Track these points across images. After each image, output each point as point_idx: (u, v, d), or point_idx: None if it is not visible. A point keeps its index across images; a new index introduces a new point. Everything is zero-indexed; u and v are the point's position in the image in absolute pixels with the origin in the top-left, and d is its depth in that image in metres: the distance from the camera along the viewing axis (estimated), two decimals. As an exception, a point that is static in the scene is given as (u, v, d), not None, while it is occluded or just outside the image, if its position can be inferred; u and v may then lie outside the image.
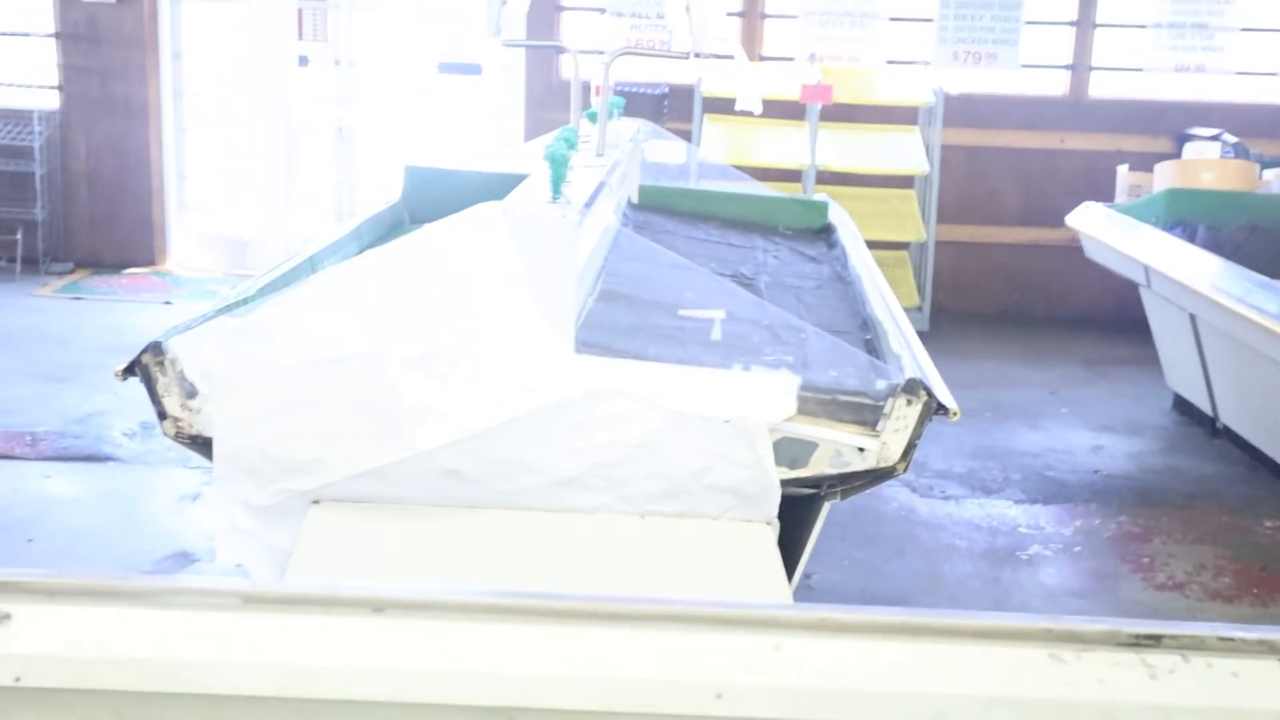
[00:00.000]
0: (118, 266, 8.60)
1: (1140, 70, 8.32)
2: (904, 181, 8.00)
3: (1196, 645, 1.36)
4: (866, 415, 2.78)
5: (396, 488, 2.81)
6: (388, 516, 2.84)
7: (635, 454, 2.77)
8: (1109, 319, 7.80)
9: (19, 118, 8.47)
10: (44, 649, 1.30)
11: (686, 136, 7.09)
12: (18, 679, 1.29)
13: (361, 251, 4.06)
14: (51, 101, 8.61)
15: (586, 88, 5.50)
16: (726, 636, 1.36)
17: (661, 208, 5.11)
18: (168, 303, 7.83)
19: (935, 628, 1.39)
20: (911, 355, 3.11)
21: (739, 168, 6.19)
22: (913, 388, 2.76)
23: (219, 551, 2.92)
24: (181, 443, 2.88)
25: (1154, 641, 1.37)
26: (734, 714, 1.31)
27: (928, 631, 1.38)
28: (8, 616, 1.34)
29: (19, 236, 8.39)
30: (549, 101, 8.26)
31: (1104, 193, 7.33)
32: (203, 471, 4.87)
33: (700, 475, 2.78)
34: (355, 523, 2.83)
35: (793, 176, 7.53)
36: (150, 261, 8.73)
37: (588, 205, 3.17)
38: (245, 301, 3.16)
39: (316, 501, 2.83)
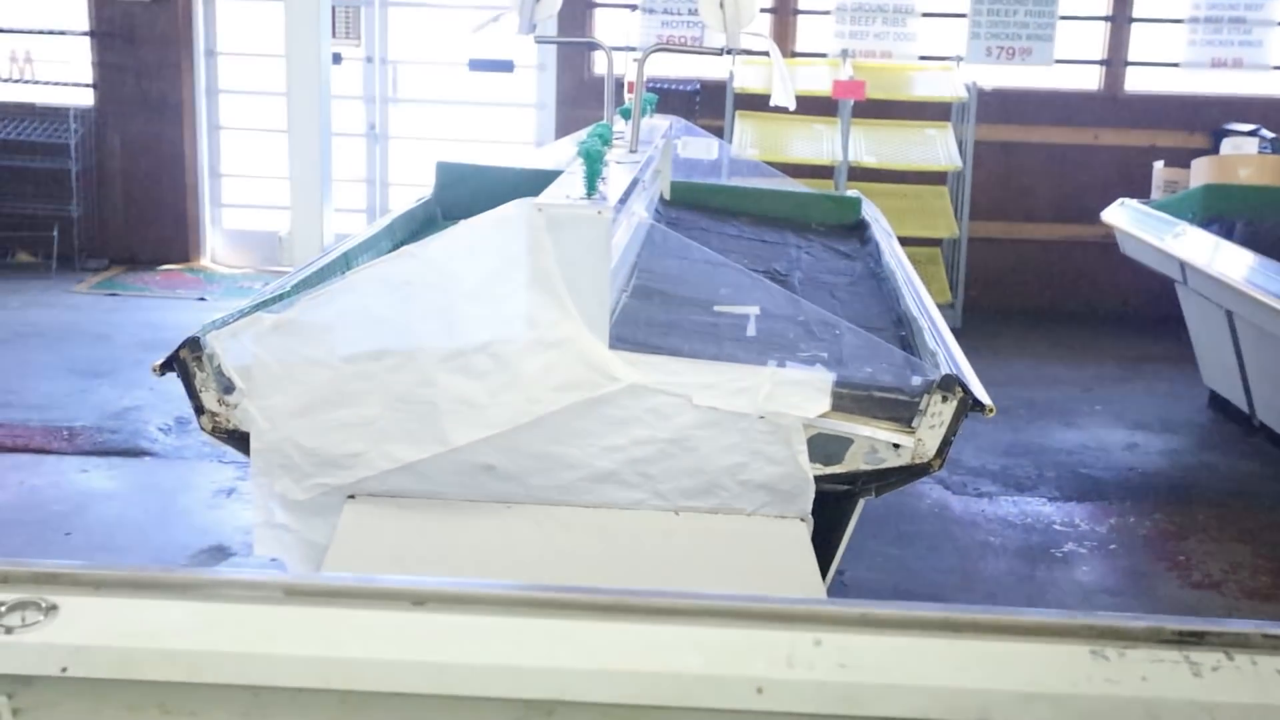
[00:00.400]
0: (152, 263, 8.67)
1: (1176, 65, 8.25)
2: (936, 177, 7.97)
3: (1240, 643, 1.35)
4: (902, 412, 2.77)
5: (432, 483, 2.82)
6: (423, 512, 2.85)
7: (670, 450, 2.77)
8: (1143, 316, 7.76)
9: (55, 115, 8.54)
10: (90, 640, 1.32)
11: (718, 133, 7.08)
12: (64, 669, 1.31)
13: (395, 247, 4.07)
14: (87, 99, 8.68)
15: (619, 84, 5.50)
16: (767, 631, 1.36)
17: (694, 204, 5.11)
18: (202, 299, 7.88)
19: (977, 624, 1.38)
20: (946, 352, 3.10)
21: (771, 164, 6.18)
22: (948, 384, 2.75)
23: (256, 546, 2.94)
24: (218, 438, 2.90)
25: (1197, 639, 1.36)
26: (775, 708, 1.31)
27: (969, 627, 1.38)
28: (54, 608, 1.35)
29: (55, 233, 8.46)
30: (580, 98, 8.27)
31: (1138, 189, 7.28)
32: (237, 466, 4.90)
33: (735, 471, 2.78)
34: (391, 518, 2.84)
35: (824, 173, 7.51)
36: (184, 258, 8.79)
37: (622, 201, 3.17)
38: (281, 297, 3.17)
39: (352, 496, 2.85)
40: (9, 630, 1.31)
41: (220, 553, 4.30)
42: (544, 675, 1.33)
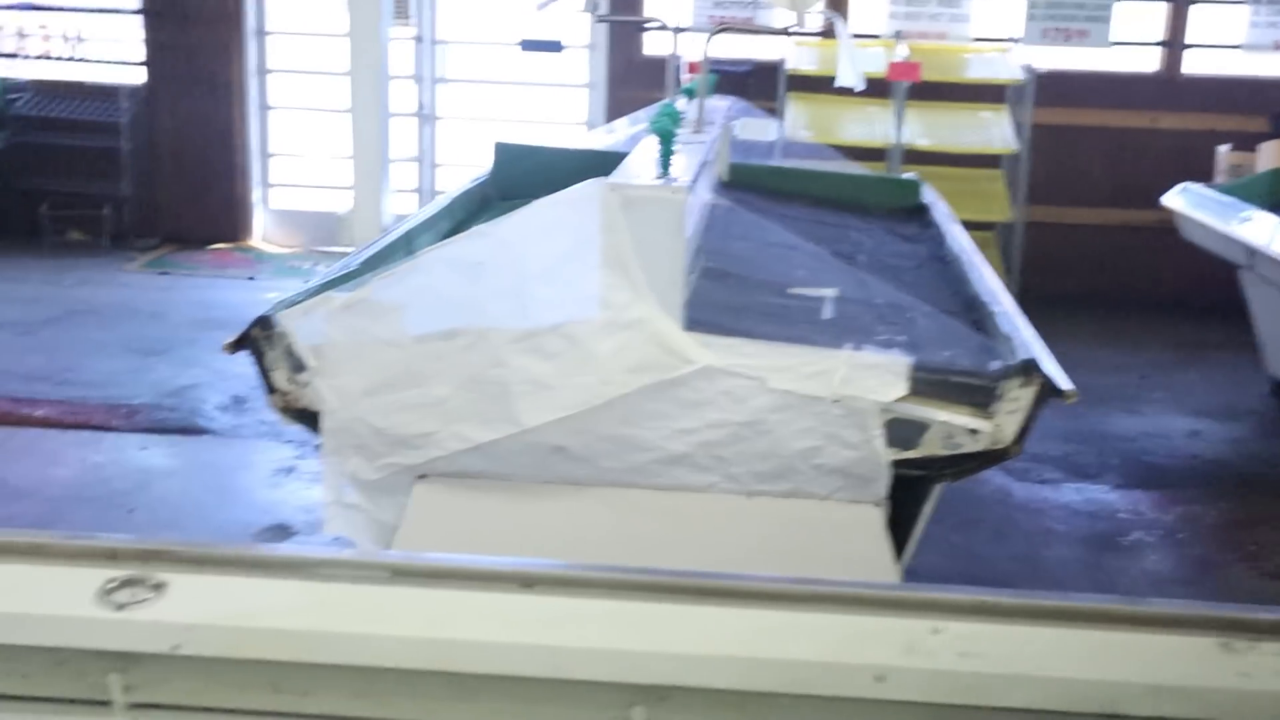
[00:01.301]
0: (203, 242, 8.70)
1: (1237, 47, 8.11)
2: (991, 161, 7.88)
3: (1375, 636, 1.31)
4: (979, 397, 2.73)
5: (503, 464, 2.80)
6: (493, 492, 2.83)
7: (744, 433, 2.74)
8: (1201, 302, 7.64)
9: (106, 94, 8.58)
10: (202, 618, 1.30)
11: (770, 114, 7.02)
12: (176, 647, 1.29)
13: (455, 227, 4.06)
14: (138, 78, 8.71)
15: (676, 64, 5.44)
16: (882, 619, 1.33)
17: (752, 186, 5.06)
18: (251, 278, 7.91)
19: (1098, 614, 1.35)
20: (1021, 337, 3.05)
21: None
22: (1027, 369, 2.71)
23: (326, 524, 2.93)
24: (288, 416, 2.89)
25: (1329, 632, 1.32)
26: (897, 697, 1.28)
27: (1091, 617, 1.34)
28: (162, 585, 1.34)
29: (106, 212, 8.51)
30: (630, 78, 8.23)
31: (1197, 173, 7.16)
32: (295, 445, 4.91)
33: (809, 455, 2.74)
34: (461, 498, 2.83)
35: (876, 155, 7.43)
36: (234, 237, 8.82)
37: (693, 182, 3.13)
38: (349, 277, 3.16)
39: (423, 476, 2.83)
40: (120, 607, 1.30)
41: (282, 531, 4.30)
42: (658, 660, 1.30)
